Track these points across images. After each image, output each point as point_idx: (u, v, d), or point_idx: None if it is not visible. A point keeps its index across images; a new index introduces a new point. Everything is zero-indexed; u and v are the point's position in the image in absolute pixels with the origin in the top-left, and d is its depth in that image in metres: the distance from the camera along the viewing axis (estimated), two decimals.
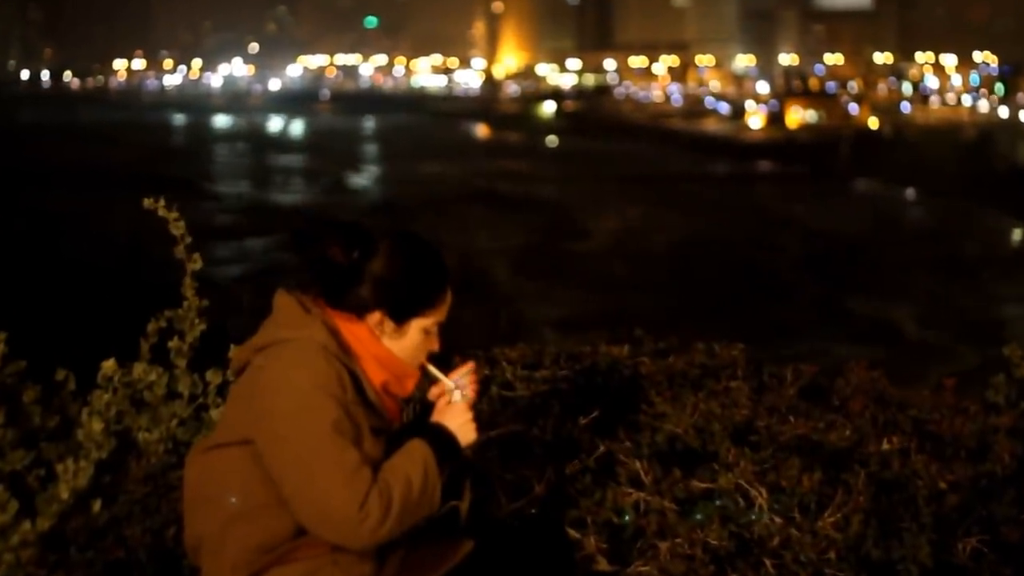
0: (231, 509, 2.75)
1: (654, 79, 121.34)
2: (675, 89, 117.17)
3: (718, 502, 3.68)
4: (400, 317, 2.86)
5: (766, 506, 3.63)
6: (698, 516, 3.64)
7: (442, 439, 2.84)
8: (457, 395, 2.94)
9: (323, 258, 2.81)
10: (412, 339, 2.88)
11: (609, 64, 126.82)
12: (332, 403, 2.68)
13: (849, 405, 4.41)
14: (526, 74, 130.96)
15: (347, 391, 2.73)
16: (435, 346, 2.94)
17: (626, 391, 4.39)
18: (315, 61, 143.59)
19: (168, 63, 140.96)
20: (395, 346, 2.87)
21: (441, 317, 2.92)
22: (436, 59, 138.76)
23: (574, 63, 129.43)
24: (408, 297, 2.85)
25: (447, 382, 2.96)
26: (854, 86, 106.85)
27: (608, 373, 4.58)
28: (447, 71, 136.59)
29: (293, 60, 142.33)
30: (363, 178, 55.59)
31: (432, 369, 2.97)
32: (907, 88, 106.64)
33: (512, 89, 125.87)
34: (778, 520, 3.59)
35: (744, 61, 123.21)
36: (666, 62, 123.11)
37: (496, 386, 4.46)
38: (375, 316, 2.84)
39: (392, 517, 2.64)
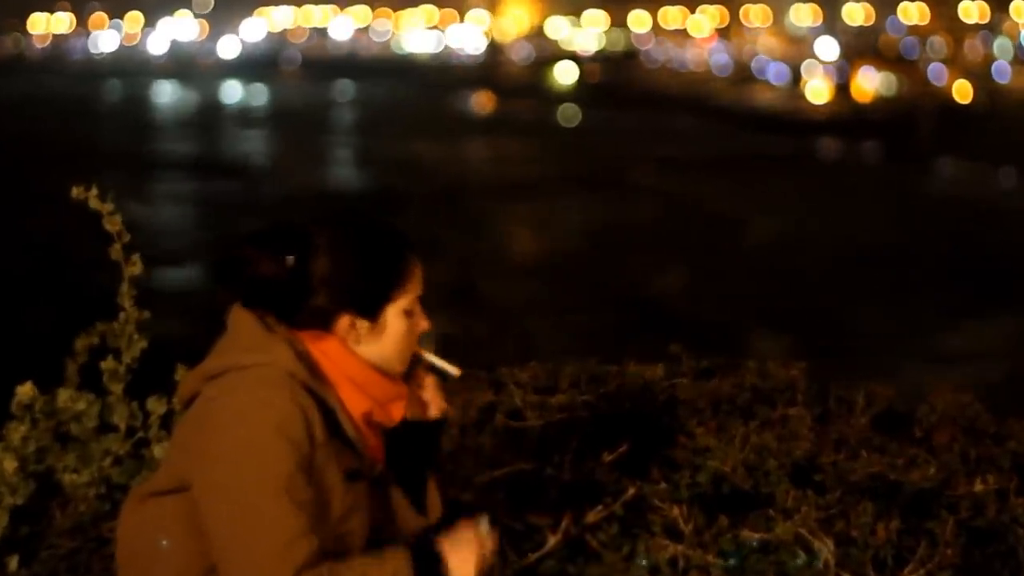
0: (170, 570, 2.75)
1: (693, 38, 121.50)
2: (719, 50, 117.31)
3: (774, 556, 3.67)
4: (370, 311, 2.86)
5: (833, 561, 3.62)
6: (749, 573, 3.64)
7: (430, 565, 2.77)
8: (485, 524, 2.90)
9: (253, 279, 2.79)
10: (395, 328, 2.88)
11: (638, 19, 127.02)
12: (289, 452, 2.67)
13: (934, 437, 4.39)
14: (538, 33, 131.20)
15: (315, 431, 2.72)
16: (424, 324, 2.95)
17: (661, 420, 4.38)
18: (279, 16, 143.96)
19: (99, 17, 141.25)
20: (379, 347, 2.87)
21: (418, 290, 2.93)
22: (427, 14, 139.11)
23: (595, 17, 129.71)
24: (369, 286, 2.85)
25: (450, 369, 3.01)
26: (937, 45, 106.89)
27: (638, 398, 4.57)
28: (440, 29, 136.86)
29: (252, 14, 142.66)
30: (370, 163, 55.62)
31: (427, 355, 2.99)
32: (1003, 47, 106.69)
33: (521, 51, 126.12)
34: None
35: (804, 16, 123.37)
36: (708, 17, 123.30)
37: (503, 414, 4.46)
38: (343, 322, 2.84)
39: None
